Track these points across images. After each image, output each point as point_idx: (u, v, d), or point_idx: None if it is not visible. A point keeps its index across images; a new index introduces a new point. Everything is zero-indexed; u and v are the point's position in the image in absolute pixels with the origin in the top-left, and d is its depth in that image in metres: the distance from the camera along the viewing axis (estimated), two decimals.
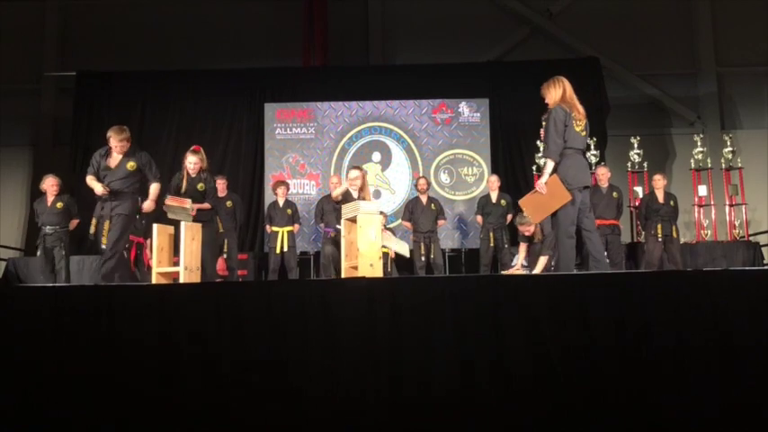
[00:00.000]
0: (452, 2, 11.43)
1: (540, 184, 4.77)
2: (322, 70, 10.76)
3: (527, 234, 7.07)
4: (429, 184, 9.02)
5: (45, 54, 11.51)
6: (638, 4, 11.24)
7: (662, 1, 11.33)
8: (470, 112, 10.25)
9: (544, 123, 4.92)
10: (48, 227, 7.90)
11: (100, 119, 10.56)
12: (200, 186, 6.41)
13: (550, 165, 4.74)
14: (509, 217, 8.64)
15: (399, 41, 11.54)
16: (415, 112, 10.30)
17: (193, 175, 6.45)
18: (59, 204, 7.97)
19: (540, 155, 8.92)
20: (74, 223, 8.22)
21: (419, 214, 8.63)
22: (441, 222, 8.82)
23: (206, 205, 6.41)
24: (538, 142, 4.79)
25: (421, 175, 9.87)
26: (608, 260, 8.13)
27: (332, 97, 10.40)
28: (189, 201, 6.10)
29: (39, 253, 7.94)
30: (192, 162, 6.43)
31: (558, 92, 4.84)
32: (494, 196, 8.71)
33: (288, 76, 10.72)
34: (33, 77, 11.40)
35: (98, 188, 5.82)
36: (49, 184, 7.99)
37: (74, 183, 10.32)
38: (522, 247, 7.25)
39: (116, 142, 5.88)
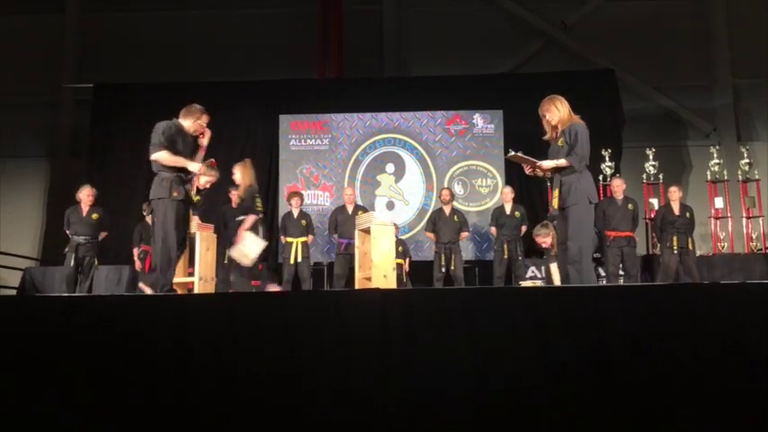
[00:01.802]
0: (467, 14, 11.47)
1: (543, 165, 4.86)
2: (337, 82, 10.81)
3: (544, 246, 6.93)
4: (453, 195, 9.00)
5: (63, 66, 11.66)
6: (654, 16, 11.21)
7: (677, 12, 11.29)
8: (484, 123, 10.25)
9: (562, 140, 4.87)
10: (81, 237, 7.95)
11: (117, 130, 10.68)
12: (197, 199, 6.27)
13: (565, 162, 4.75)
14: (523, 228, 8.61)
15: (413, 53, 11.58)
16: (429, 124, 10.32)
17: (201, 189, 6.20)
18: (95, 216, 8.04)
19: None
20: (103, 235, 8.27)
21: (441, 225, 8.61)
22: (464, 235, 8.77)
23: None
24: (555, 162, 4.83)
25: (436, 186, 9.91)
26: (622, 273, 8.12)
27: (346, 109, 10.44)
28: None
29: (71, 262, 7.92)
30: (211, 182, 6.15)
31: (564, 109, 4.88)
32: (508, 208, 8.68)
33: (303, 87, 10.77)
34: (51, 89, 11.52)
35: (195, 166, 5.03)
36: (86, 194, 8.06)
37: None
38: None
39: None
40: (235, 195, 8.84)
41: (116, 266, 9.45)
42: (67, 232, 8.06)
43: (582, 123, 4.83)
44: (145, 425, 3.10)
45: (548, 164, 4.84)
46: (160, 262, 4.85)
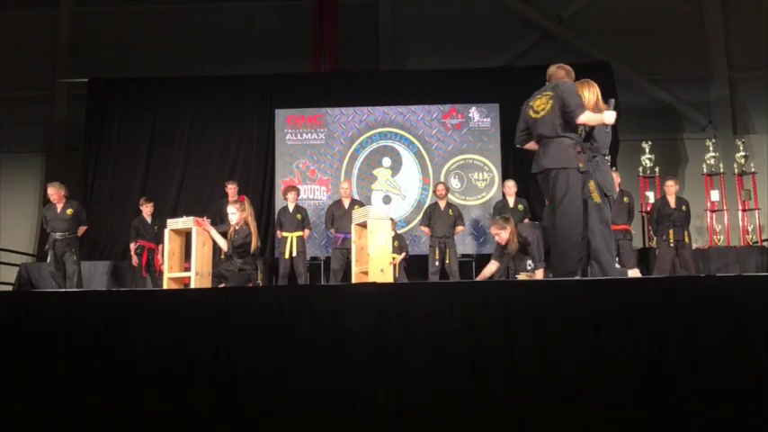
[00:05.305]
0: (462, 7, 11.45)
1: None
2: (332, 76, 10.79)
3: (498, 241, 5.92)
4: (448, 189, 9.01)
5: (58, 61, 11.61)
6: (650, 9, 11.20)
7: (673, 5, 11.29)
8: (480, 117, 10.23)
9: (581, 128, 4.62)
10: (57, 233, 7.96)
11: (112, 125, 10.66)
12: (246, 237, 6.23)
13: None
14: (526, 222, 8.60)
15: (409, 47, 11.56)
16: (425, 118, 10.30)
17: (237, 228, 6.22)
18: (69, 211, 8.04)
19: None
20: (82, 230, 8.26)
21: (436, 219, 8.61)
22: (459, 229, 8.75)
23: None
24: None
25: (433, 180, 9.89)
26: (618, 265, 8.12)
27: (342, 103, 10.41)
28: None
29: (49, 259, 8.00)
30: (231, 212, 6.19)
31: (592, 96, 4.71)
32: (511, 201, 8.66)
33: (298, 81, 10.74)
34: (46, 84, 11.49)
35: (611, 116, 4.57)
36: (50, 194, 8.08)
37: (86, 188, 10.42)
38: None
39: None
40: (232, 189, 8.91)
41: (110, 261, 9.45)
42: (47, 229, 8.12)
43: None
44: (143, 422, 3.10)
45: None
46: (562, 243, 4.35)
